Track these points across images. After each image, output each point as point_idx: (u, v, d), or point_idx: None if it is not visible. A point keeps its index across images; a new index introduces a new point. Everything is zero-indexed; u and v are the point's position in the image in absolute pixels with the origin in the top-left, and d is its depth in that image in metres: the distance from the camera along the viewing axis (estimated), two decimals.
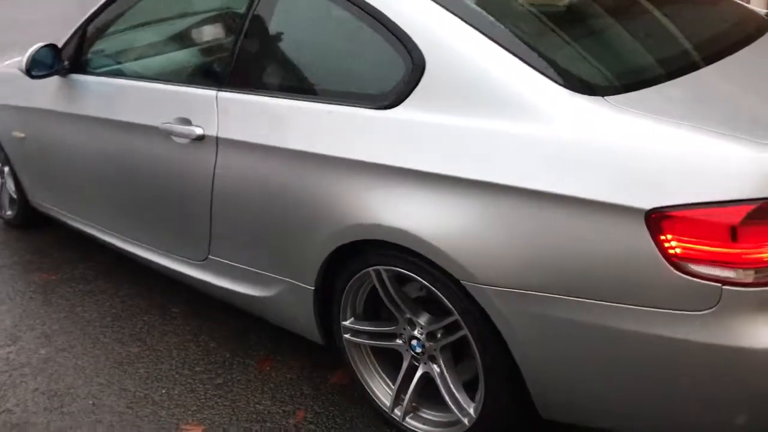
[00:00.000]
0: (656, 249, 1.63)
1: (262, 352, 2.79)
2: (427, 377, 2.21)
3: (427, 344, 2.16)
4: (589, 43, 2.12)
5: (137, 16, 3.09)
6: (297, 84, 2.38)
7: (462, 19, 1.98)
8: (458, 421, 2.13)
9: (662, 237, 1.62)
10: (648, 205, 1.62)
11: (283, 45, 2.45)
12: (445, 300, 1.99)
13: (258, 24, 2.46)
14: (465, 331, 1.99)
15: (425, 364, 2.20)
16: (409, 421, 2.26)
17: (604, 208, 1.67)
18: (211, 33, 2.96)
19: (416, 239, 1.93)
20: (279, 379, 2.63)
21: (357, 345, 2.33)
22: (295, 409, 2.47)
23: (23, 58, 3.02)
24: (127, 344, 2.90)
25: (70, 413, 2.53)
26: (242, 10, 2.50)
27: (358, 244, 2.11)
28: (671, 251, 1.62)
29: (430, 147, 1.94)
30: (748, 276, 1.59)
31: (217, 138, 2.42)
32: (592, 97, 1.81)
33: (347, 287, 2.23)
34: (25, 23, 8.92)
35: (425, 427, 2.24)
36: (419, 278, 2.02)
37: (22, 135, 3.47)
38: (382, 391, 2.33)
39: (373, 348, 2.34)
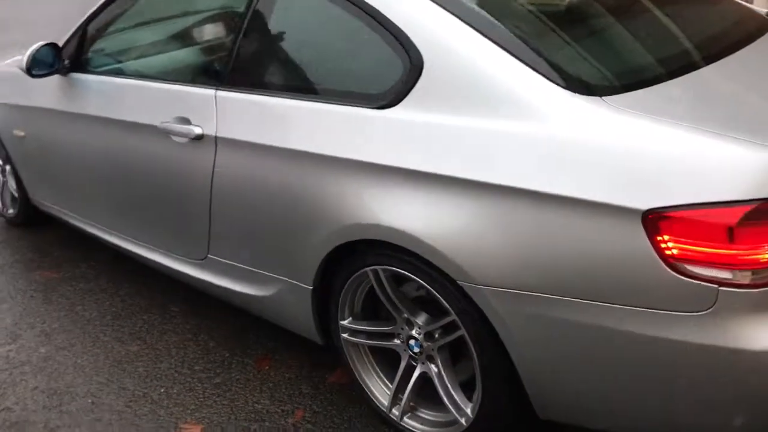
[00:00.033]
0: (653, 250, 1.62)
1: (261, 351, 2.79)
2: (424, 377, 2.20)
3: (424, 344, 2.16)
4: (588, 42, 2.12)
5: (137, 16, 3.09)
6: (295, 83, 2.38)
7: (460, 19, 1.98)
8: (455, 422, 2.13)
9: (659, 237, 1.62)
10: (645, 205, 1.62)
11: (282, 44, 2.45)
12: (443, 300, 1.98)
13: (257, 23, 2.46)
14: (462, 332, 1.99)
15: (423, 364, 2.19)
16: (407, 421, 2.26)
17: (601, 209, 1.67)
18: (210, 32, 2.96)
19: (413, 239, 1.93)
20: (278, 378, 2.63)
21: (355, 345, 2.33)
22: (293, 409, 2.47)
23: (24, 57, 3.02)
24: (126, 343, 2.91)
25: (69, 412, 2.54)
26: (241, 9, 2.50)
27: (356, 243, 2.10)
28: (668, 252, 1.61)
29: (428, 147, 1.93)
30: (745, 277, 1.58)
31: (215, 137, 2.42)
32: (590, 97, 1.80)
33: (345, 287, 2.23)
34: (25, 23, 8.93)
35: (423, 426, 2.24)
36: (416, 278, 2.02)
37: (23, 134, 3.48)
38: (380, 391, 2.33)
39: (371, 348, 2.34)
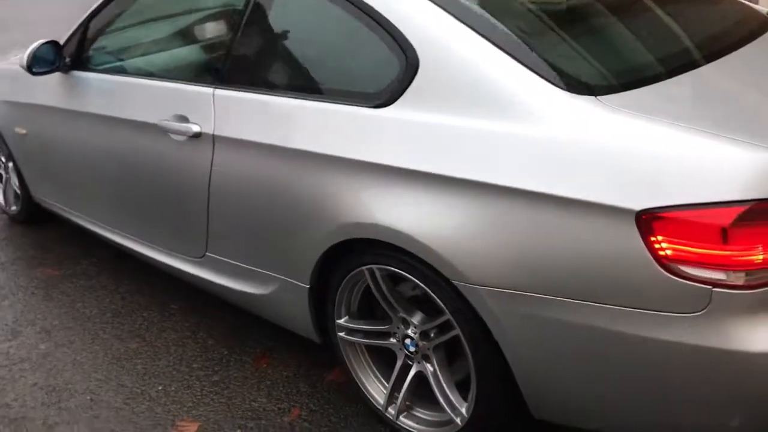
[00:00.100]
0: (646, 250, 1.61)
1: (259, 349, 2.79)
2: (420, 376, 2.20)
3: (420, 343, 2.15)
4: (585, 41, 2.11)
5: (138, 14, 3.10)
6: (293, 82, 2.38)
7: (456, 18, 1.97)
8: (451, 421, 2.13)
9: (653, 238, 1.61)
10: (638, 205, 1.61)
11: (279, 43, 2.45)
12: (438, 299, 1.98)
13: (254, 22, 2.46)
14: (457, 331, 1.99)
15: (419, 363, 2.19)
16: (403, 420, 2.26)
17: (595, 209, 1.66)
18: (208, 31, 2.97)
19: (408, 238, 1.93)
20: (275, 376, 2.63)
21: (352, 343, 2.33)
22: (290, 407, 2.47)
23: (24, 55, 3.03)
24: (125, 340, 2.92)
25: (68, 408, 2.55)
26: (240, 7, 2.50)
27: (352, 242, 2.10)
28: (661, 252, 1.61)
29: (423, 146, 1.93)
30: (739, 278, 1.57)
31: (213, 135, 2.43)
32: (586, 96, 1.80)
33: (342, 285, 2.23)
34: (25, 23, 8.96)
35: (419, 426, 2.24)
36: (412, 277, 2.01)
37: (24, 131, 3.49)
38: (377, 390, 2.33)
39: (367, 346, 2.34)
